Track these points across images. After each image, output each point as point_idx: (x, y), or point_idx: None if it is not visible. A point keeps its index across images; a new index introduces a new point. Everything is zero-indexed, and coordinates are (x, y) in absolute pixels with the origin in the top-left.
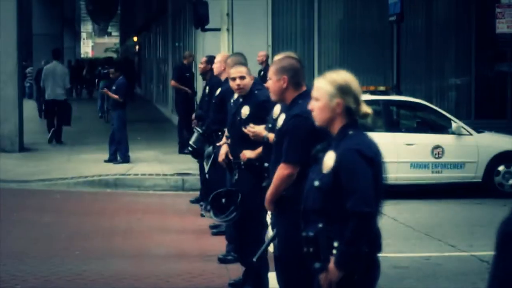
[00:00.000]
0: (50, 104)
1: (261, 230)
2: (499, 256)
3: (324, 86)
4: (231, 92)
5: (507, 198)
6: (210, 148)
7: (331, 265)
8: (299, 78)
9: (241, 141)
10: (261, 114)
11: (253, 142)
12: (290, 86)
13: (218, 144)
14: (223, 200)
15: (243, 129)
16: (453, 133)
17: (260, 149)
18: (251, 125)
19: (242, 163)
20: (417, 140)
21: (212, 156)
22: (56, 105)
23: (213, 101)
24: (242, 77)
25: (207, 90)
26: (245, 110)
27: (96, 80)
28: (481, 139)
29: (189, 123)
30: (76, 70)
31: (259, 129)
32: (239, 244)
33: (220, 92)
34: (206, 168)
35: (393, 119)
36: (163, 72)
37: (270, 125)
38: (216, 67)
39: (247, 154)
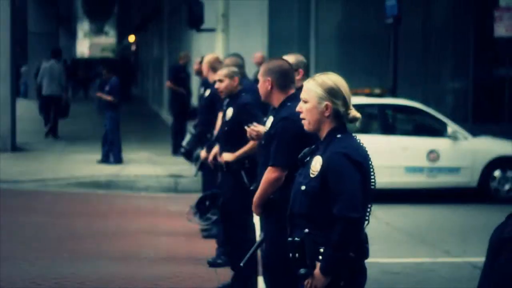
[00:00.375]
0: (47, 100)
1: (244, 233)
2: (492, 262)
3: (313, 88)
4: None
5: (502, 204)
6: (199, 151)
7: (317, 271)
8: (285, 81)
9: (225, 142)
10: (242, 117)
11: (236, 144)
12: (275, 88)
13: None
14: (207, 202)
15: (246, 127)
16: (448, 137)
17: (239, 152)
18: (255, 124)
19: (223, 165)
20: (412, 144)
21: (200, 159)
22: (53, 100)
23: (202, 102)
24: (219, 80)
25: (201, 91)
26: (229, 112)
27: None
28: (477, 144)
29: (183, 124)
30: (72, 70)
31: (263, 129)
32: (229, 248)
33: (209, 94)
34: (194, 170)
35: (388, 122)
36: (159, 72)
37: None
38: (203, 68)
39: (225, 157)
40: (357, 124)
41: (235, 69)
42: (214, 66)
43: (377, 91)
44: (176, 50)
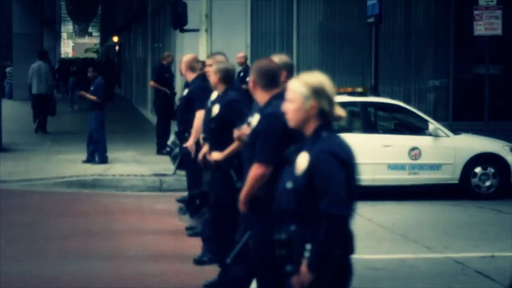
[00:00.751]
0: (37, 98)
1: (234, 231)
2: None
3: (298, 88)
4: (200, 92)
5: (483, 200)
6: (178, 149)
7: (304, 267)
8: (267, 80)
9: (211, 140)
10: (228, 115)
11: (223, 142)
12: (258, 87)
13: (184, 145)
14: (197, 201)
15: (235, 130)
16: (430, 134)
17: (228, 151)
18: (244, 126)
19: (212, 164)
20: (394, 142)
21: (179, 157)
22: (41, 98)
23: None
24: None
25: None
26: (215, 109)
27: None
28: (458, 141)
29: (168, 124)
30: (61, 70)
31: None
32: (216, 245)
33: (188, 93)
34: (173, 169)
35: (371, 120)
36: (143, 72)
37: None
38: (181, 68)
39: (214, 156)
40: (342, 122)
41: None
42: (193, 65)
43: (359, 89)
44: (159, 50)
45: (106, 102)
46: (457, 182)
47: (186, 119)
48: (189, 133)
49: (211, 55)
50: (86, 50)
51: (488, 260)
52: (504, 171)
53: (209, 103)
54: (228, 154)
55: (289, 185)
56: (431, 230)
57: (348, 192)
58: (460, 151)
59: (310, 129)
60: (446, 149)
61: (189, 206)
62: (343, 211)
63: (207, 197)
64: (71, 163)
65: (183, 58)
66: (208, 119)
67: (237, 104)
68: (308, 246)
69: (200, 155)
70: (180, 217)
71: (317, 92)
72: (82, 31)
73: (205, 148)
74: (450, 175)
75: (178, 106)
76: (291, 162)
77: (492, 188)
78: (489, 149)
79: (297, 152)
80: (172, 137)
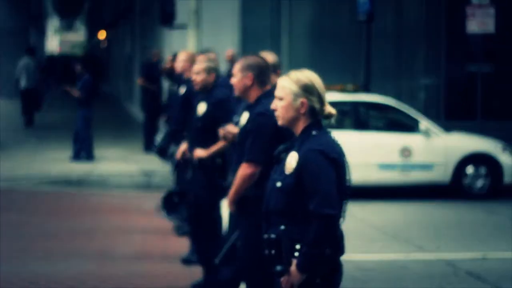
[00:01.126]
0: (25, 93)
1: (213, 230)
2: None
3: (289, 85)
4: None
5: (475, 200)
6: (175, 149)
7: (293, 267)
8: (264, 77)
9: (196, 138)
10: (216, 113)
11: (208, 140)
12: (255, 84)
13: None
14: (176, 199)
15: (219, 130)
16: (421, 133)
17: (213, 149)
18: (229, 125)
19: (195, 161)
20: (385, 140)
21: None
22: (29, 93)
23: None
24: (197, 73)
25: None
26: (202, 108)
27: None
28: (450, 140)
29: (155, 122)
30: (49, 67)
31: (237, 130)
32: (195, 244)
33: (186, 91)
34: (171, 168)
35: (361, 118)
36: (130, 69)
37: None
38: (180, 66)
39: (199, 153)
40: (333, 120)
41: (212, 64)
42: (194, 62)
43: (350, 87)
44: (148, 47)
45: (93, 99)
46: (448, 182)
47: (183, 117)
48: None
49: (202, 52)
50: (73, 47)
51: (479, 261)
52: (496, 171)
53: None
54: (213, 152)
55: (278, 184)
56: (422, 230)
57: (339, 192)
58: (452, 151)
59: (299, 127)
60: (437, 148)
61: (165, 203)
62: (333, 211)
63: (185, 195)
64: (57, 161)
65: (182, 55)
66: (193, 117)
67: (227, 103)
68: (298, 246)
69: (179, 153)
70: (159, 214)
71: (307, 90)
72: (68, 27)
73: (183, 146)
74: (442, 175)
75: (167, 103)
76: (281, 161)
77: (484, 188)
78: (482, 149)
79: (287, 151)
80: (161, 135)
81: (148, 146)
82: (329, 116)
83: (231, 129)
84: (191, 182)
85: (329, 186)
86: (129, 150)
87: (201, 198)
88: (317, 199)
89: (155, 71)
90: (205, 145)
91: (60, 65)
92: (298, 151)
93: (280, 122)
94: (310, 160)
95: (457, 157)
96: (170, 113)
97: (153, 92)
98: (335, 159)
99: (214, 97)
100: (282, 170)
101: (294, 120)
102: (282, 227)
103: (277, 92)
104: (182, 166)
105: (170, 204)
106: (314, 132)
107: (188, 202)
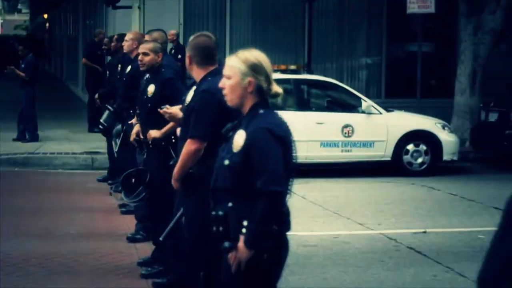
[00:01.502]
0: None
1: (170, 209)
2: (502, 235)
3: (236, 65)
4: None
5: (415, 177)
6: (119, 127)
7: (241, 244)
8: (203, 57)
9: (148, 119)
10: (165, 92)
11: (160, 121)
12: (194, 64)
13: (129, 122)
14: (133, 180)
15: (159, 110)
16: (363, 112)
17: (166, 129)
18: (167, 106)
19: (149, 142)
20: (327, 119)
21: (122, 135)
22: None
23: (124, 78)
24: (144, 53)
25: (119, 68)
26: (151, 88)
27: None
28: (391, 118)
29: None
30: None
31: (175, 110)
32: (151, 224)
33: (130, 69)
34: (116, 147)
35: (304, 98)
36: (74, 50)
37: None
38: (127, 44)
39: (153, 134)
40: (279, 99)
41: (159, 44)
42: (141, 41)
43: (292, 67)
44: (91, 27)
45: (36, 79)
46: (389, 159)
47: (129, 95)
48: (133, 110)
49: (148, 32)
50: (16, 27)
51: (420, 236)
52: (436, 148)
53: (144, 81)
54: (165, 132)
55: (226, 162)
56: (364, 207)
57: (286, 169)
58: (393, 128)
59: (247, 106)
60: (378, 126)
61: (123, 185)
62: (280, 188)
63: (144, 176)
64: (1, 141)
65: (129, 35)
66: (141, 97)
67: (174, 82)
68: (245, 223)
69: (132, 136)
70: (115, 195)
71: (255, 69)
72: (11, 8)
73: (136, 128)
74: (383, 152)
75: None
76: (228, 139)
77: (424, 165)
78: (421, 127)
79: (234, 129)
80: (105, 114)
81: (92, 126)
82: (276, 95)
83: (171, 109)
84: (146, 163)
85: (276, 164)
86: (73, 130)
87: (158, 178)
88: (265, 176)
89: (98, 50)
90: (157, 126)
91: (1, 45)
92: (245, 129)
93: (228, 101)
94: (258, 138)
95: (397, 135)
96: (102, 92)
97: (97, 72)
98: (282, 137)
99: (162, 77)
100: (230, 148)
101: (241, 99)
102: (230, 204)
103: (225, 71)
104: (136, 148)
105: (128, 185)
106: (261, 111)
107: (146, 182)
